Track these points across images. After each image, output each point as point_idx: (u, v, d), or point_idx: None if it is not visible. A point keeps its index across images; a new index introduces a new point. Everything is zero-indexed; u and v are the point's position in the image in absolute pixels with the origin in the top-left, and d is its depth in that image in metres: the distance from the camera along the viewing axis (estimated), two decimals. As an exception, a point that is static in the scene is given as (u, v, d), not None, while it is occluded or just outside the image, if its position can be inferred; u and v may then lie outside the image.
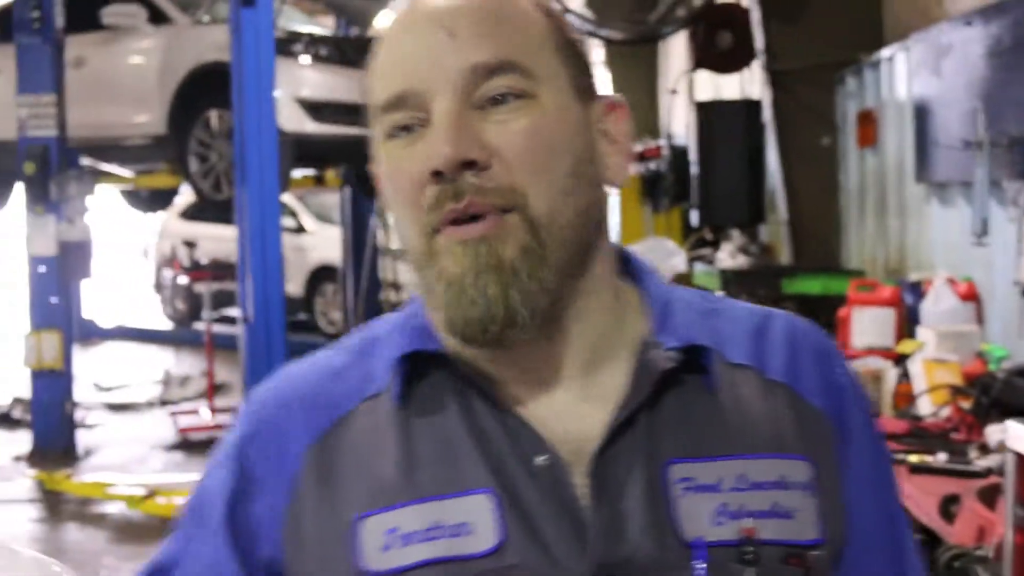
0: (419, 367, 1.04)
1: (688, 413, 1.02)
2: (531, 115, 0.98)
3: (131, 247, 20.65)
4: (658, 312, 1.06)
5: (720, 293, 6.41)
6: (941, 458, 3.45)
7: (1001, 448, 3.42)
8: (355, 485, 1.02)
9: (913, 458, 3.48)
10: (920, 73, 5.59)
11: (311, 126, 7.53)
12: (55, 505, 6.74)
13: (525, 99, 0.99)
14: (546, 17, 1.04)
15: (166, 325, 14.12)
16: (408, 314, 1.09)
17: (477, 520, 0.98)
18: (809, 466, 1.03)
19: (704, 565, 0.97)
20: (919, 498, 3.20)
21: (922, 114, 5.54)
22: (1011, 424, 2.20)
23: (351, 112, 7.76)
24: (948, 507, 2.96)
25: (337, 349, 1.12)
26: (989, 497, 2.79)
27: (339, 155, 8.48)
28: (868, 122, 6.53)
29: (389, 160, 1.03)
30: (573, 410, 1.02)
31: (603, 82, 1.14)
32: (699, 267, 7.56)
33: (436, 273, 0.99)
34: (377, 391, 1.05)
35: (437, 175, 0.97)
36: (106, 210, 13.17)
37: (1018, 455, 2.16)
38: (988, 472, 3.21)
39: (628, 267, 1.10)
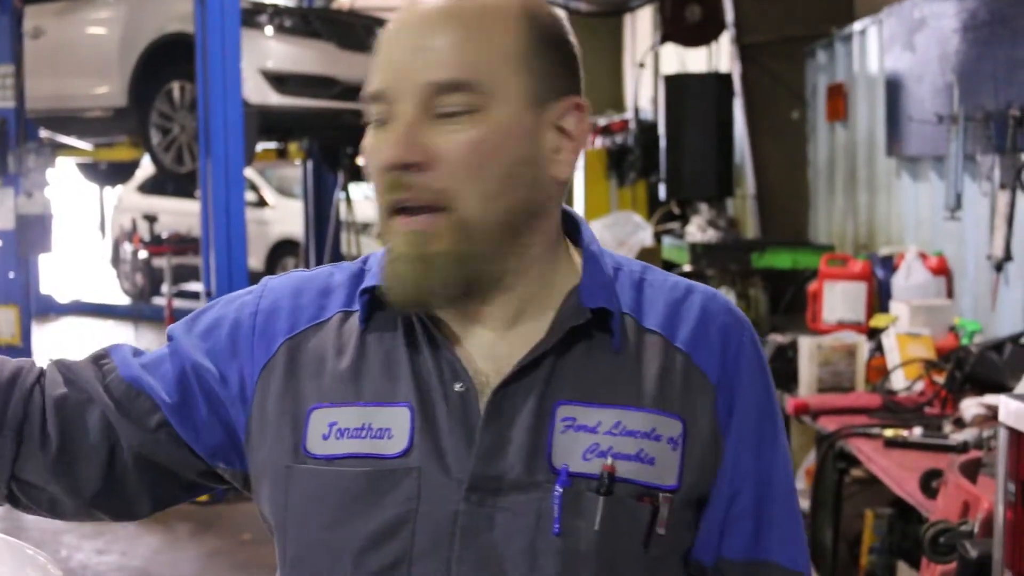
0: (382, 298, 1.23)
1: (588, 364, 1.21)
2: (475, 128, 1.16)
3: (86, 221, 20.44)
4: (587, 274, 1.24)
5: (687, 267, 6.39)
6: (917, 432, 3.44)
7: (976, 422, 3.42)
8: (313, 381, 1.24)
9: (888, 432, 3.47)
10: (893, 47, 5.58)
11: (275, 98, 7.44)
12: (15, 482, 6.64)
13: (474, 113, 1.16)
14: (523, 23, 1.19)
15: (123, 300, 13.96)
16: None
17: (396, 427, 1.19)
18: (681, 424, 1.20)
19: (561, 489, 1.16)
20: (896, 472, 3.20)
21: (894, 88, 5.53)
22: (1003, 399, 2.18)
23: (316, 84, 7.67)
24: (929, 482, 2.95)
25: (341, 268, 1.33)
26: (970, 472, 2.78)
27: (304, 128, 8.38)
28: (838, 96, 6.52)
29: (367, 142, 1.22)
30: (496, 350, 1.21)
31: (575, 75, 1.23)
32: (668, 241, 7.54)
33: (388, 247, 1.20)
34: (352, 308, 1.27)
35: (387, 168, 1.17)
36: (63, 183, 12.99)
37: (1010, 430, 2.14)
38: (965, 446, 3.21)
39: (576, 235, 1.28)
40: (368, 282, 1.25)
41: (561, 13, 1.23)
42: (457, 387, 1.20)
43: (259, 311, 1.29)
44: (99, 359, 1.30)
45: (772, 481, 1.26)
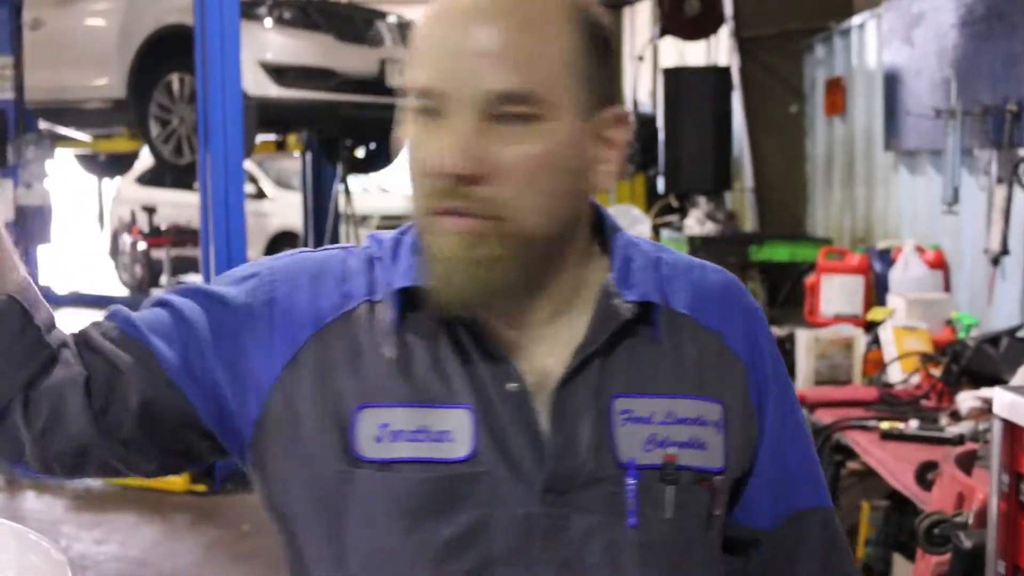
0: (415, 295, 1.18)
1: (633, 355, 1.21)
2: (533, 139, 1.12)
3: (85, 212, 20.44)
4: (619, 266, 1.23)
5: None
6: (913, 425, 3.46)
7: (973, 415, 3.44)
8: (351, 378, 1.18)
9: (885, 425, 3.49)
10: (891, 41, 5.59)
11: (275, 90, 7.43)
12: (14, 473, 6.65)
13: (532, 122, 1.12)
14: (575, 24, 1.15)
15: (122, 291, 13.96)
16: (412, 241, 1.22)
17: (457, 430, 1.16)
18: (720, 408, 1.23)
19: (634, 482, 1.17)
20: (892, 464, 3.21)
21: (892, 82, 5.54)
22: (998, 391, 2.19)
23: (315, 76, 7.67)
24: (924, 474, 2.96)
25: (351, 252, 1.26)
26: (966, 464, 2.79)
27: (303, 120, 8.38)
28: (836, 90, 6.54)
29: (415, 132, 1.16)
30: (540, 348, 1.20)
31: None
32: (666, 234, 7.56)
33: (428, 245, 1.15)
34: (375, 299, 1.21)
35: (442, 174, 1.12)
36: (61, 175, 12.99)
37: (1004, 421, 2.15)
38: (961, 439, 3.22)
39: (601, 223, 1.26)
40: (400, 279, 1.20)
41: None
42: (510, 386, 1.17)
43: (276, 299, 1.22)
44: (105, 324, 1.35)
45: (798, 439, 1.31)
